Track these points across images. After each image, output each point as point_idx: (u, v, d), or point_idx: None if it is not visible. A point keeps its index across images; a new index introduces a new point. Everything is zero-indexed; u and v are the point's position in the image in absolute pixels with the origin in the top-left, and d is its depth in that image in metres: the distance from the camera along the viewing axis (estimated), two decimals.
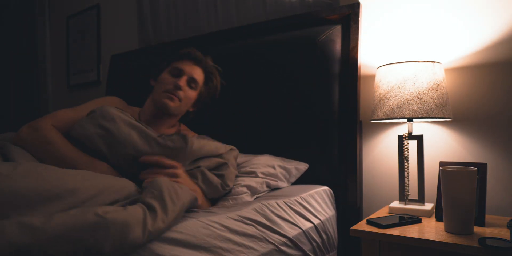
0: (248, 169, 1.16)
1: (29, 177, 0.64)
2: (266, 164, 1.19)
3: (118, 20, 2.43)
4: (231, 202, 1.02)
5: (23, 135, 0.99)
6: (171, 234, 0.68)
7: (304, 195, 1.12)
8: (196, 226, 0.73)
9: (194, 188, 0.95)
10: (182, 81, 1.19)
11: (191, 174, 0.98)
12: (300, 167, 1.27)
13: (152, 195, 0.71)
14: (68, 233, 0.54)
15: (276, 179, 1.17)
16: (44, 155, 0.95)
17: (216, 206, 0.98)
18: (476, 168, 0.94)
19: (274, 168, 1.18)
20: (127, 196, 0.76)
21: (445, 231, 0.95)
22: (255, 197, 1.08)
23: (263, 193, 1.12)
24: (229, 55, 1.63)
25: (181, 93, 1.18)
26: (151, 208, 0.67)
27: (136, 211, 0.63)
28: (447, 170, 0.94)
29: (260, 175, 1.13)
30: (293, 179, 1.26)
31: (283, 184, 1.21)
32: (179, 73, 1.21)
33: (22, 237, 0.51)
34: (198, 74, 1.24)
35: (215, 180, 1.00)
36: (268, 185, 1.14)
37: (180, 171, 0.92)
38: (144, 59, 2.03)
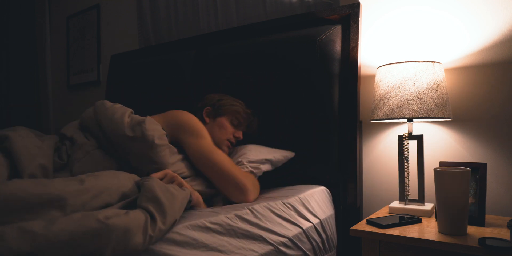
0: (237, 159, 1.23)
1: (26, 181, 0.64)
2: (254, 155, 1.25)
3: (118, 20, 2.43)
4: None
5: None
6: (171, 236, 0.68)
7: (302, 195, 1.12)
8: (195, 228, 0.73)
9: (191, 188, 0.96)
10: (241, 134, 1.34)
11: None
12: (287, 154, 1.33)
13: (146, 198, 0.69)
14: (69, 239, 0.53)
15: (259, 168, 1.22)
16: None
17: (214, 207, 0.98)
18: (469, 169, 0.93)
19: (261, 159, 1.24)
20: (125, 194, 0.76)
21: (439, 232, 0.94)
22: None
23: None
24: (229, 55, 1.63)
25: (236, 143, 1.34)
26: (149, 213, 0.67)
27: (138, 216, 0.63)
28: (440, 170, 0.93)
29: (247, 164, 1.20)
30: (279, 164, 1.31)
31: (267, 167, 1.26)
32: (239, 124, 1.34)
33: (23, 243, 0.50)
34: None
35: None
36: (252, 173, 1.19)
37: (175, 173, 0.95)
38: (144, 59, 2.03)
